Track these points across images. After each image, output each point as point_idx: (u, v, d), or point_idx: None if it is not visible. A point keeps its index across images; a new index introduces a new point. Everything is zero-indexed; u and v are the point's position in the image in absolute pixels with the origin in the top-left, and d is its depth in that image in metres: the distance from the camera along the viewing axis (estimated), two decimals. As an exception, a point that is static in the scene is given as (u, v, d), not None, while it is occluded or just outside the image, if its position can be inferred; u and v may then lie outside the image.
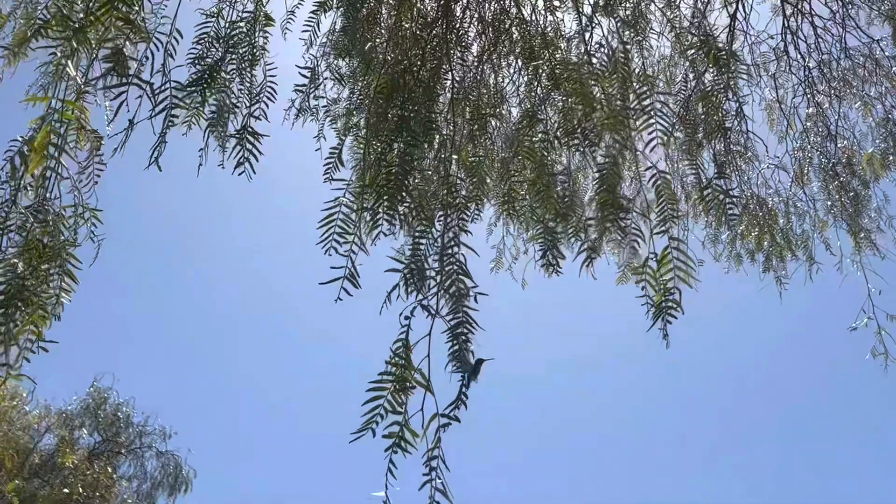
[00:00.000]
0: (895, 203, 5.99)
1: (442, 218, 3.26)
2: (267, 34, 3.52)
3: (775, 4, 6.05)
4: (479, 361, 3.22)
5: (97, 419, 15.05)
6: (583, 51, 4.33)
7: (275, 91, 3.46)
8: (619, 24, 4.33)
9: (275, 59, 3.66)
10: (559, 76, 3.93)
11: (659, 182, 3.28)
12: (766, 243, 5.82)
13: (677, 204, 4.38)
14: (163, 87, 3.01)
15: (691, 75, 4.26)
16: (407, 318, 2.83)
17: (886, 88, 5.89)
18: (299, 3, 4.30)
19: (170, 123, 3.04)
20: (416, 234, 3.21)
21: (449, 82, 4.04)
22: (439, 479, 2.53)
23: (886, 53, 5.87)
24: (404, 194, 3.17)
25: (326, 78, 4.65)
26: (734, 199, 3.90)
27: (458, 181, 3.63)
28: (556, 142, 3.87)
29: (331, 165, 3.57)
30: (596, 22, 4.36)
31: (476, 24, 4.75)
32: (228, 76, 3.36)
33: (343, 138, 4.31)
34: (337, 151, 3.55)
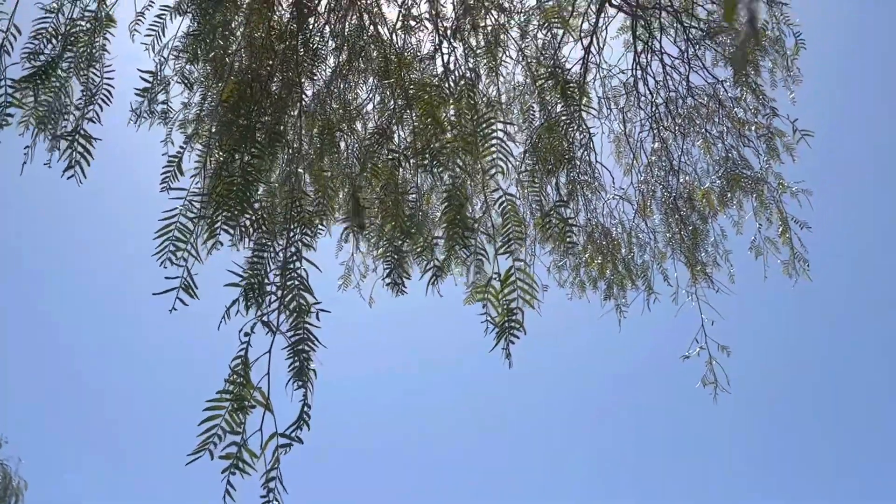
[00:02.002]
0: (732, 238, 6.24)
1: (285, 232, 3.21)
2: (108, 34, 3.38)
3: (628, 40, 6.25)
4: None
5: (-81, 426, 14.22)
6: (435, 73, 4.35)
7: (111, 93, 3.33)
8: (467, 50, 4.37)
9: (122, 61, 3.54)
10: (412, 96, 3.94)
11: (505, 203, 3.31)
12: (608, 272, 5.97)
13: (523, 226, 4.46)
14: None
15: (537, 106, 4.34)
16: (246, 334, 2.77)
17: (727, 128, 6.15)
18: (149, 5, 4.17)
19: (3, 122, 2.89)
20: (258, 247, 3.15)
21: (299, 95, 3.98)
22: (277, 500, 2.49)
23: (729, 94, 6.13)
24: (245, 206, 3.10)
25: (176, 82, 4.51)
26: (572, 228, 3.98)
27: (304, 195, 3.58)
28: (404, 161, 3.87)
29: (169, 174, 3.45)
30: (450, 46, 4.39)
31: (333, 39, 4.72)
32: (65, 74, 3.21)
33: (188, 145, 4.19)
34: (176, 160, 3.43)
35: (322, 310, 2.97)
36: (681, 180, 6.17)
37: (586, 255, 5.97)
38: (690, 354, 5.48)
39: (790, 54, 5.82)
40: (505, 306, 3.01)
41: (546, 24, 4.42)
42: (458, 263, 4.81)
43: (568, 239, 3.83)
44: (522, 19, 5.05)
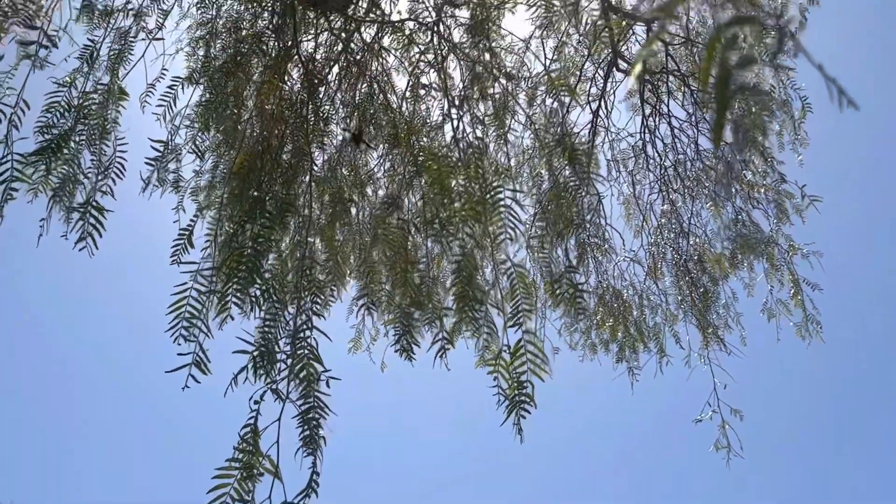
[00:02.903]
0: (742, 301, 6.21)
1: (295, 301, 3.22)
2: (121, 107, 3.43)
3: (635, 104, 6.29)
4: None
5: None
6: (444, 141, 4.39)
7: (124, 166, 3.37)
8: (474, 120, 4.42)
9: (133, 129, 3.58)
10: (421, 164, 3.97)
11: (513, 275, 3.31)
12: (619, 334, 5.94)
13: (532, 297, 4.46)
14: (4, 159, 2.91)
15: (545, 172, 4.37)
16: (256, 402, 2.77)
17: (736, 190, 6.15)
18: (161, 76, 4.23)
19: (8, 197, 2.93)
20: (268, 316, 3.16)
21: (309, 164, 4.01)
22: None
23: (737, 157, 6.14)
24: (255, 277, 3.11)
25: (187, 151, 4.55)
26: (583, 294, 3.98)
27: (315, 264, 3.60)
28: (413, 229, 3.89)
29: (179, 247, 3.46)
30: (458, 113, 4.43)
31: (344, 107, 4.77)
32: (78, 146, 3.26)
33: (200, 215, 4.22)
34: (187, 233, 3.45)
35: (332, 377, 2.98)
36: (691, 242, 6.17)
37: (598, 318, 5.95)
38: (703, 418, 5.44)
39: (797, 117, 5.85)
40: (515, 379, 3.00)
41: (553, 92, 4.46)
42: (468, 332, 4.81)
43: (579, 305, 3.83)
44: (529, 85, 5.11)
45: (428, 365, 3.82)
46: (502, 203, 3.43)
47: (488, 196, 3.54)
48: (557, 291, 3.84)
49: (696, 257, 6.13)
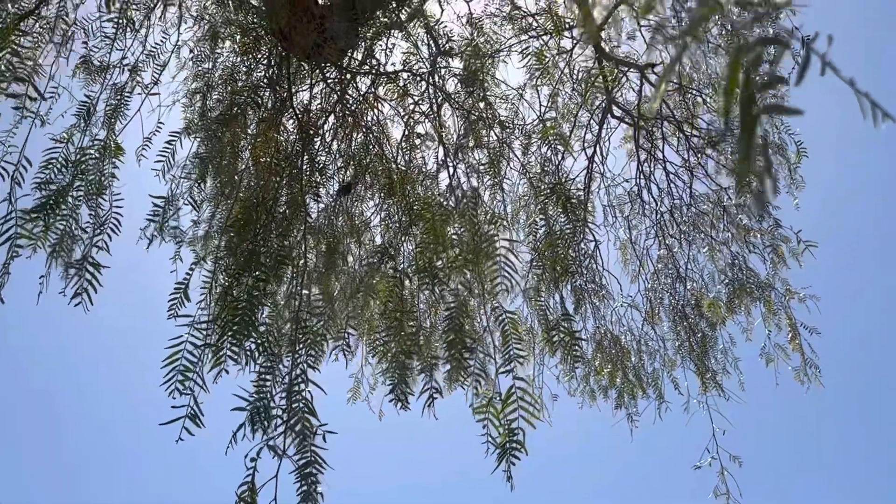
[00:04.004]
0: (740, 346, 6.19)
1: (290, 354, 3.22)
2: (118, 162, 3.46)
3: (631, 150, 6.33)
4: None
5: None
6: (439, 190, 4.41)
7: (119, 222, 3.39)
8: (469, 168, 4.45)
9: (130, 184, 3.62)
10: (415, 213, 4.00)
11: (505, 322, 3.32)
12: (618, 380, 5.91)
13: (530, 338, 4.46)
14: (8, 217, 2.94)
15: (540, 220, 4.37)
16: (253, 459, 2.77)
17: (732, 235, 6.16)
18: (157, 129, 4.27)
19: (14, 254, 2.95)
20: (263, 370, 3.16)
21: (304, 216, 4.03)
22: None
23: (733, 201, 6.16)
24: (250, 329, 3.12)
25: (184, 203, 4.56)
26: (579, 342, 3.98)
27: (310, 316, 3.60)
28: (406, 279, 3.91)
29: (175, 301, 3.47)
30: (453, 161, 4.46)
31: (340, 156, 4.80)
32: (76, 202, 3.29)
33: (198, 264, 4.23)
34: (183, 286, 3.47)
35: (329, 431, 2.97)
36: (688, 287, 6.16)
37: (596, 364, 5.92)
38: (702, 464, 5.40)
39: (793, 162, 5.88)
40: (506, 426, 3.00)
41: (548, 141, 4.49)
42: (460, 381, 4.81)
43: (575, 353, 3.83)
44: (524, 133, 5.14)
45: (427, 413, 3.82)
46: (497, 253, 3.45)
47: (483, 245, 3.56)
48: (554, 339, 3.85)
49: (693, 302, 6.12)
